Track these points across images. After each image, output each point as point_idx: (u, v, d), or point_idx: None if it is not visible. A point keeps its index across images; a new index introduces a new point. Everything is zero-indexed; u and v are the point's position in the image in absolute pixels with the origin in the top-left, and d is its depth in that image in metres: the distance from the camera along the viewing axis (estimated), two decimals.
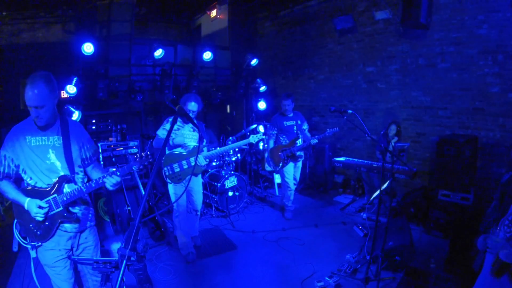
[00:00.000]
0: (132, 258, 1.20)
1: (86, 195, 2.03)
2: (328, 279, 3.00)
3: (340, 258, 3.45)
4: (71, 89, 4.30)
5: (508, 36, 3.87)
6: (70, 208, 1.93)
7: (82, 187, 1.89)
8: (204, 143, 3.55)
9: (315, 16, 6.12)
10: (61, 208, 1.87)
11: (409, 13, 4.24)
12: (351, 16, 5.32)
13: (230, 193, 4.72)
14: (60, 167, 1.90)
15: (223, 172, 4.85)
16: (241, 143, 3.88)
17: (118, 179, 1.90)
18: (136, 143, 4.47)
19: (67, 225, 1.93)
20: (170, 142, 3.36)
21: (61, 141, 1.91)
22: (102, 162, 4.15)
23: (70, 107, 4.26)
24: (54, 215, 1.87)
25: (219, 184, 4.64)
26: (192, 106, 3.38)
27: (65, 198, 1.86)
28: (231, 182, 4.79)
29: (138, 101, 5.19)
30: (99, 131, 4.87)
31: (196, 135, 3.48)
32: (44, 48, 5.84)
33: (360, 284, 3.00)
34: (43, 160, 1.87)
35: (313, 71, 6.35)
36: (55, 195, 1.85)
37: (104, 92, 4.80)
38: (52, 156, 1.89)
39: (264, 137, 5.27)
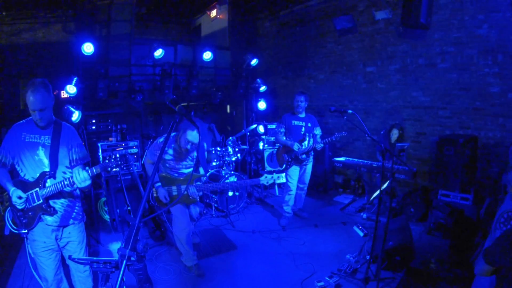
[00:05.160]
0: (132, 258, 1.19)
1: (75, 192, 2.23)
2: (328, 279, 3.00)
3: (340, 258, 3.45)
4: (71, 89, 4.29)
5: (508, 36, 3.87)
6: (50, 202, 2.10)
7: (59, 184, 2.04)
8: (201, 173, 3.28)
9: (315, 16, 6.12)
10: (41, 201, 2.05)
11: (409, 13, 4.24)
12: (351, 16, 5.32)
13: (230, 193, 4.72)
14: (47, 164, 2.09)
15: (223, 172, 4.85)
16: (248, 182, 3.32)
17: (85, 174, 2.02)
18: (136, 143, 4.46)
19: (48, 218, 2.11)
20: (166, 164, 3.12)
21: (50, 141, 2.09)
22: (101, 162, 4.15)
23: (70, 107, 4.26)
24: (35, 207, 2.06)
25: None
26: (193, 137, 2.93)
27: (44, 192, 2.04)
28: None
29: (138, 101, 5.18)
30: (99, 131, 4.87)
31: (192, 164, 3.19)
32: (44, 48, 5.85)
33: (360, 284, 2.99)
34: (33, 155, 2.07)
35: (313, 71, 6.35)
36: (37, 189, 2.04)
37: (104, 92, 4.80)
38: (41, 153, 2.08)
39: (251, 126, 5.03)
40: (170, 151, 3.11)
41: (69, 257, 2.09)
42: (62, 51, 5.64)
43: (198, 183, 3.18)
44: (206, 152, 3.30)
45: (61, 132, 2.13)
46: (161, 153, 1.53)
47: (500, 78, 4.00)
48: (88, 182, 2.07)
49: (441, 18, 4.39)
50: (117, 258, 1.24)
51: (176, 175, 3.18)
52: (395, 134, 4.65)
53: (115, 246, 3.84)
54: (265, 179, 3.17)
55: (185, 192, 3.06)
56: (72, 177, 2.03)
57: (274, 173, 3.17)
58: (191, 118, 1.75)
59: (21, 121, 2.13)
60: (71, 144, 2.17)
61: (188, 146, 2.98)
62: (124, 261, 1.17)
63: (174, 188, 3.12)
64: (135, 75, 5.55)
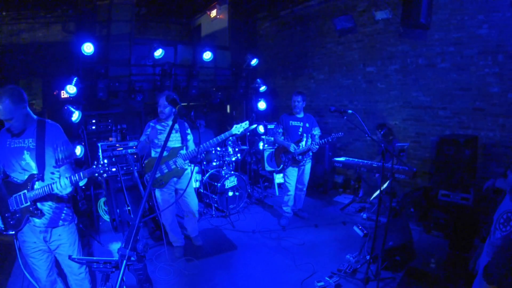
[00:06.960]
0: (132, 258, 1.20)
1: (65, 195, 2.17)
2: (328, 279, 3.00)
3: (340, 258, 3.45)
4: (71, 89, 4.29)
5: (508, 36, 3.87)
6: (38, 204, 2.08)
7: (46, 187, 2.00)
8: (190, 144, 3.48)
9: (315, 16, 6.12)
10: (28, 203, 2.03)
11: (409, 13, 4.24)
12: (351, 16, 5.32)
13: (230, 193, 4.72)
14: (34, 167, 2.06)
15: (223, 172, 4.85)
16: (222, 136, 3.38)
17: (67, 181, 1.99)
18: (136, 143, 4.46)
19: (36, 220, 2.09)
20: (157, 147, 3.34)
21: (35, 143, 2.06)
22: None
23: (70, 107, 4.26)
24: (23, 209, 2.04)
25: (219, 184, 4.64)
26: (159, 104, 3.30)
27: (32, 195, 2.01)
28: (231, 182, 4.79)
29: (138, 101, 5.18)
30: (99, 131, 4.86)
31: (179, 136, 3.42)
32: (44, 48, 5.85)
33: (360, 284, 3.00)
34: (19, 161, 2.05)
35: (313, 71, 6.35)
36: (25, 191, 2.03)
37: (104, 92, 4.79)
38: (27, 156, 2.05)
39: (252, 126, 5.10)
40: (158, 127, 3.40)
41: (69, 257, 2.04)
42: (62, 51, 5.65)
43: (182, 151, 3.37)
44: (204, 152, 3.48)
45: (45, 132, 2.09)
46: (162, 150, 1.54)
47: (500, 78, 4.00)
48: (69, 189, 2.06)
49: (441, 18, 4.39)
50: (117, 258, 1.24)
51: (165, 153, 3.32)
52: (378, 135, 4.74)
53: (115, 246, 3.84)
54: (236, 129, 3.40)
55: (174, 166, 3.31)
56: (53, 183, 2.00)
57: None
58: (191, 118, 1.75)
59: (4, 128, 2.09)
60: (56, 143, 2.12)
61: (167, 110, 3.30)
62: (124, 261, 1.18)
63: (163, 166, 3.31)
64: (135, 75, 5.54)
